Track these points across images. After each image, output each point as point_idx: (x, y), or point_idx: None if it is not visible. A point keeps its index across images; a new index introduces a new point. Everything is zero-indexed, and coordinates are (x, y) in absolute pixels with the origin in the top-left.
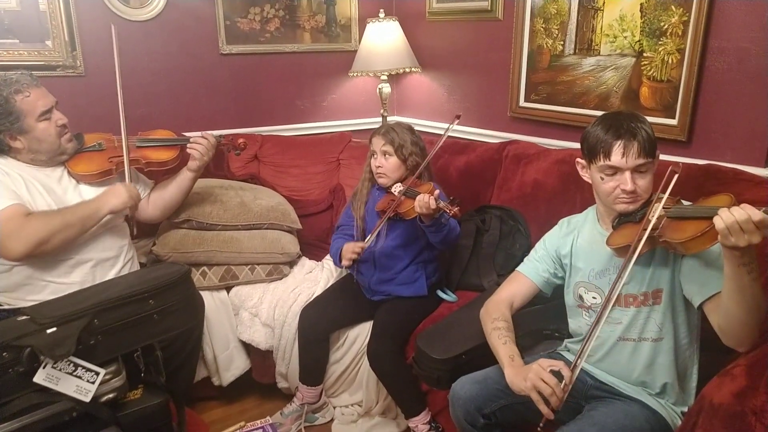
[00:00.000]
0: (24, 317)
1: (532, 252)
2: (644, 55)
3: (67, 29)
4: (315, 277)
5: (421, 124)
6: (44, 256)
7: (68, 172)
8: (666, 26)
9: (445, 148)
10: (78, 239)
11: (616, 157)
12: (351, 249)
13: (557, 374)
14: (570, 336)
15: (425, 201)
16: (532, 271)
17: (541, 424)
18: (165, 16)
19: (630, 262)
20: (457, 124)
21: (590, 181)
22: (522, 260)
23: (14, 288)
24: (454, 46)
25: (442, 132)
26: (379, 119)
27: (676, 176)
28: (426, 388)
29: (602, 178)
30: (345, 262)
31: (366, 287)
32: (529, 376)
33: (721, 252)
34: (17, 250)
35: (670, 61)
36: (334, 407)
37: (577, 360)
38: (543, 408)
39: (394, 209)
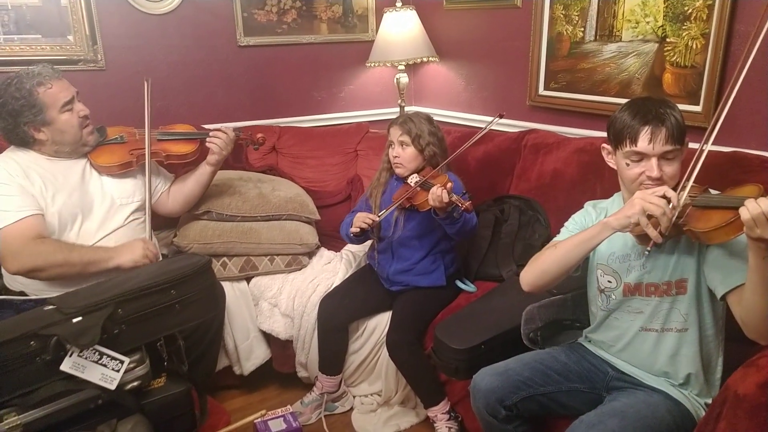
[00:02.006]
0: (50, 307)
1: (563, 228)
2: (667, 40)
3: (88, 24)
4: (334, 267)
5: (440, 114)
6: (37, 279)
7: (91, 164)
8: (690, 10)
9: (463, 138)
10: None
11: (643, 143)
12: (362, 218)
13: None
14: (589, 325)
15: (438, 194)
16: None
17: (648, 249)
18: (183, 8)
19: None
20: (478, 114)
21: (615, 167)
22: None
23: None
24: (472, 35)
25: (460, 122)
26: (397, 109)
27: (701, 162)
28: (445, 378)
29: (627, 164)
30: (353, 229)
31: (384, 277)
32: (636, 202)
33: (747, 243)
34: (12, 268)
35: (694, 46)
36: (354, 396)
37: (685, 181)
38: (652, 231)
39: (408, 198)
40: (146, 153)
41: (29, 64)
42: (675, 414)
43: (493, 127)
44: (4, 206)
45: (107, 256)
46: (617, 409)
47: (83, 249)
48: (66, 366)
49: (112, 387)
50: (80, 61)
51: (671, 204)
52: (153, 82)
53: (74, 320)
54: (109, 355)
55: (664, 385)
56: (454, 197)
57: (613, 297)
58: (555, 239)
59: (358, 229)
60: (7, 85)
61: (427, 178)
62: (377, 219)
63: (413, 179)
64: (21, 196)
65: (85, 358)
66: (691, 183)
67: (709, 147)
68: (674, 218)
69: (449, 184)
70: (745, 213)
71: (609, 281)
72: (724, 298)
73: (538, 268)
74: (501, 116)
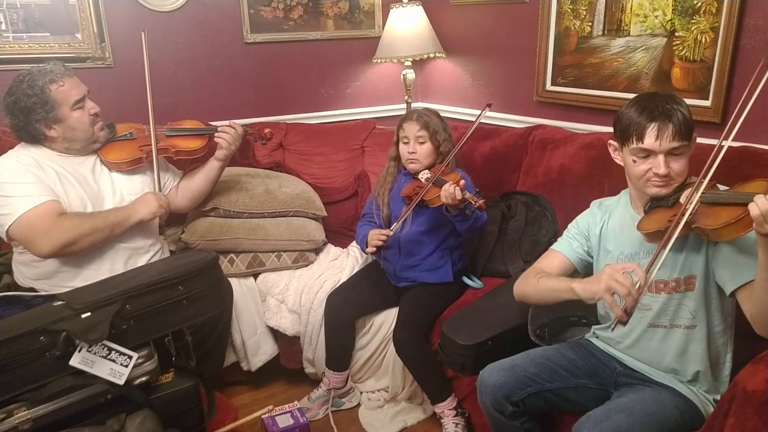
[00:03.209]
0: (60, 303)
1: (565, 232)
2: (676, 34)
3: (96, 21)
4: (340, 264)
5: (446, 110)
6: (70, 255)
7: (101, 161)
8: (699, 4)
9: (471, 134)
10: (105, 241)
11: (650, 140)
12: (376, 236)
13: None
14: (598, 322)
15: (451, 192)
16: (567, 247)
17: (612, 327)
18: (189, 6)
19: (664, 251)
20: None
21: (622, 164)
22: (548, 246)
23: (50, 275)
24: (478, 31)
25: (467, 117)
26: (403, 106)
27: (717, 161)
28: (451, 374)
29: (634, 161)
30: (369, 249)
31: (391, 274)
32: (603, 278)
33: (756, 239)
34: (45, 249)
35: (703, 40)
36: (361, 392)
37: (653, 262)
38: (617, 311)
39: (421, 197)
40: (152, 133)
41: (38, 62)
42: (683, 410)
43: (500, 123)
44: (26, 192)
45: (127, 215)
46: (625, 405)
47: (103, 213)
48: (75, 361)
49: (121, 382)
50: (88, 58)
51: (638, 284)
52: (158, 81)
53: (83, 316)
54: (117, 351)
55: (672, 382)
56: (467, 195)
57: None
58: (553, 247)
59: (375, 249)
60: (19, 83)
61: (438, 174)
62: (390, 234)
63: (424, 175)
64: (38, 184)
65: (94, 354)
66: (706, 181)
67: (729, 143)
68: (641, 297)
69: (462, 182)
70: (754, 209)
71: None
72: (733, 294)
73: (522, 291)
74: (488, 105)
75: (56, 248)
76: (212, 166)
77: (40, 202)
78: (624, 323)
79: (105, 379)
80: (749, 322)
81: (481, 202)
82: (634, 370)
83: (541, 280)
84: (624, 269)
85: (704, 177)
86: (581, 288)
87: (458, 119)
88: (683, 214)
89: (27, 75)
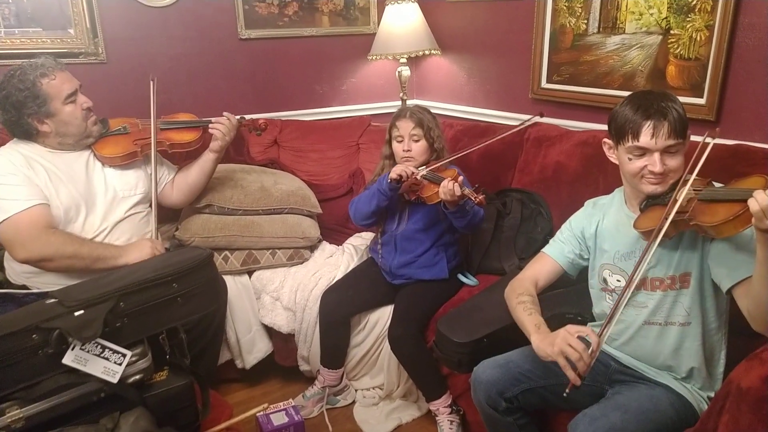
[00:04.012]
0: (52, 300)
1: (558, 233)
2: (671, 32)
3: (89, 17)
4: (335, 261)
5: (442, 107)
6: (44, 269)
7: (95, 156)
8: (694, 2)
9: (465, 131)
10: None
11: (645, 138)
12: (402, 168)
13: (584, 340)
14: (593, 319)
15: (449, 188)
16: (558, 252)
17: (567, 391)
18: (184, 1)
19: (654, 244)
20: (481, 107)
21: (617, 162)
22: (543, 244)
23: (42, 273)
24: (474, 28)
25: (462, 115)
26: (398, 102)
27: (704, 156)
28: (447, 372)
29: (630, 159)
30: (392, 175)
31: (387, 271)
32: (557, 342)
33: (752, 236)
34: (21, 255)
35: (698, 38)
36: (356, 390)
37: (605, 327)
38: (570, 373)
39: (414, 191)
40: (152, 150)
41: (30, 57)
42: (677, 407)
43: (495, 120)
44: (13, 195)
45: (116, 254)
46: (620, 403)
47: (93, 244)
48: (68, 359)
49: (115, 380)
50: (81, 54)
51: (591, 348)
52: (154, 75)
53: (76, 313)
54: (111, 349)
55: (666, 379)
56: (467, 191)
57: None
58: (544, 251)
59: (396, 175)
60: (10, 77)
61: (434, 170)
62: (417, 174)
63: (419, 172)
64: (28, 186)
65: (88, 352)
66: (693, 175)
67: (716, 141)
68: (593, 362)
69: (460, 178)
70: (753, 204)
71: (618, 280)
72: (729, 291)
73: (507, 301)
74: (541, 115)
75: (32, 259)
76: (207, 158)
77: (29, 205)
78: (578, 387)
79: (98, 377)
80: (746, 318)
81: (480, 197)
82: (628, 367)
83: (518, 307)
84: (579, 332)
85: (690, 172)
86: (537, 344)
87: (453, 116)
88: (672, 208)
89: (18, 69)
